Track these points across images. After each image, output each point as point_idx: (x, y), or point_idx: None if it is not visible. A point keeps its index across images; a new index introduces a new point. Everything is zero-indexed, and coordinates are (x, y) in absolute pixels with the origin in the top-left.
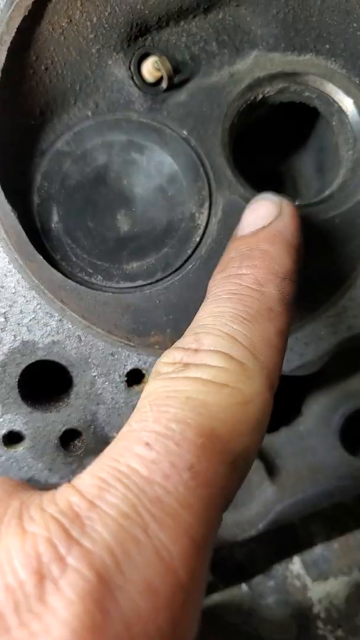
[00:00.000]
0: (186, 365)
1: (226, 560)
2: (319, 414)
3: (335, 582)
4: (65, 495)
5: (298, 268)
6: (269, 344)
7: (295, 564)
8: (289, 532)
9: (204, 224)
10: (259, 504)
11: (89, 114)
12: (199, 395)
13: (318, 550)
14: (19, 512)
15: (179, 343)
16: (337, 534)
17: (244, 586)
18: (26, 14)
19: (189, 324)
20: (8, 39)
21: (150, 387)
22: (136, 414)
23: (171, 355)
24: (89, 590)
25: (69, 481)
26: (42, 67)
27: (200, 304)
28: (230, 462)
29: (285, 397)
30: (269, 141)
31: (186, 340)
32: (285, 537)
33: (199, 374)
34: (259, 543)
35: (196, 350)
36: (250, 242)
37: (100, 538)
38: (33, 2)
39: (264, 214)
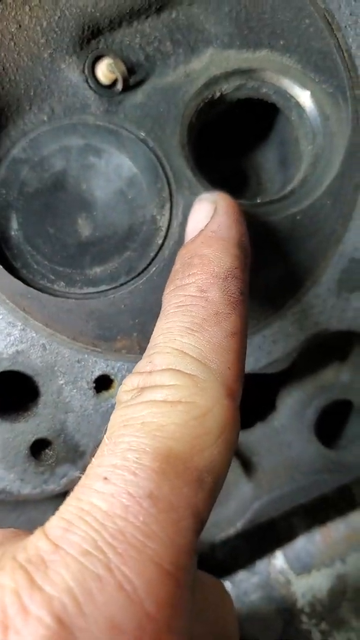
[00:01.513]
0: (142, 389)
1: (208, 559)
2: (293, 408)
3: (318, 575)
4: (34, 541)
5: (243, 261)
6: (221, 349)
7: (278, 559)
8: (270, 526)
9: (165, 226)
10: (237, 503)
11: (45, 119)
12: (153, 418)
13: (300, 543)
14: None
15: (136, 368)
16: (318, 525)
17: (227, 583)
18: None
19: None
20: None
21: (111, 420)
22: (98, 450)
23: (129, 382)
24: (49, 636)
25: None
26: None
27: None
28: (195, 479)
29: (260, 393)
30: (231, 136)
31: (141, 363)
32: (267, 531)
33: (152, 396)
34: (241, 539)
35: (150, 372)
36: (190, 249)
37: (61, 580)
38: None
39: (202, 216)
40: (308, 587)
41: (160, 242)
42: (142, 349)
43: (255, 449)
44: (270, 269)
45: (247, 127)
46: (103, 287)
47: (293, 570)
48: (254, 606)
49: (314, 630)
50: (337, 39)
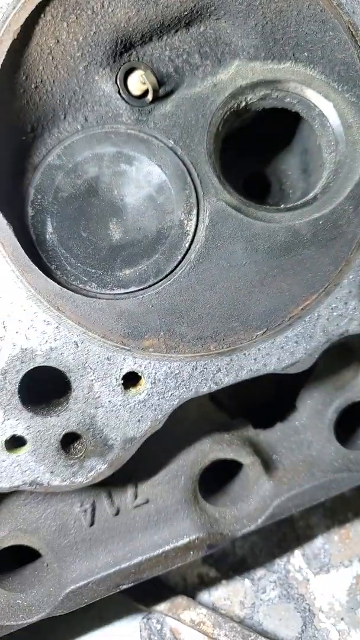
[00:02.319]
0: None
1: (228, 555)
2: (313, 408)
3: (337, 575)
4: None
5: None
6: None
7: (297, 558)
8: (290, 525)
9: (192, 231)
10: (257, 500)
11: (79, 127)
12: None
13: (319, 543)
14: None
15: None
16: (337, 525)
17: (246, 581)
18: (15, 37)
19: (182, 326)
20: None
21: None
22: None
23: None
24: None
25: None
26: (32, 86)
27: (191, 307)
28: None
29: (281, 393)
30: (256, 144)
31: None
32: (286, 530)
33: None
34: (261, 536)
35: None
36: None
37: None
38: (21, 26)
39: None
40: (326, 586)
41: (187, 245)
42: (168, 348)
43: (275, 448)
44: (293, 272)
45: (272, 134)
46: (132, 288)
47: (311, 570)
48: (273, 604)
49: (331, 630)
50: None
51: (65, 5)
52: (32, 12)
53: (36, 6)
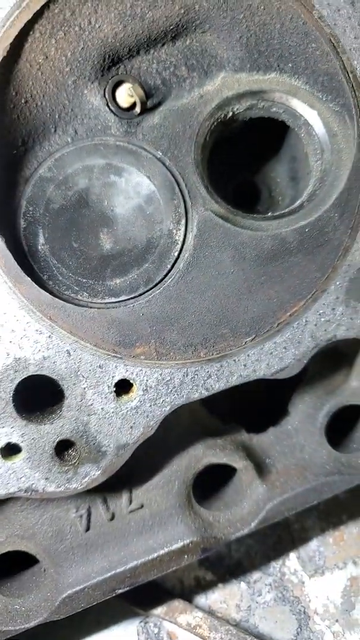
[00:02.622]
0: None
1: (224, 558)
2: (305, 412)
3: (331, 577)
4: None
5: None
6: None
7: (292, 560)
8: (285, 528)
9: (181, 240)
10: (250, 504)
11: (69, 140)
12: None
13: (313, 546)
14: None
15: None
16: (331, 528)
17: (242, 584)
18: (4, 54)
19: (172, 334)
20: None
21: None
22: None
23: None
24: None
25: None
26: (22, 101)
27: (181, 315)
28: None
29: (273, 398)
30: (245, 152)
31: None
32: (281, 533)
33: None
34: (256, 539)
35: None
36: None
37: None
38: (10, 43)
39: None
40: (321, 588)
41: (176, 254)
42: (159, 355)
43: (268, 452)
44: (280, 279)
45: (261, 142)
46: (123, 297)
47: (306, 572)
48: (268, 606)
49: (326, 632)
50: (343, 61)
51: (54, 22)
52: (21, 29)
53: (25, 24)
